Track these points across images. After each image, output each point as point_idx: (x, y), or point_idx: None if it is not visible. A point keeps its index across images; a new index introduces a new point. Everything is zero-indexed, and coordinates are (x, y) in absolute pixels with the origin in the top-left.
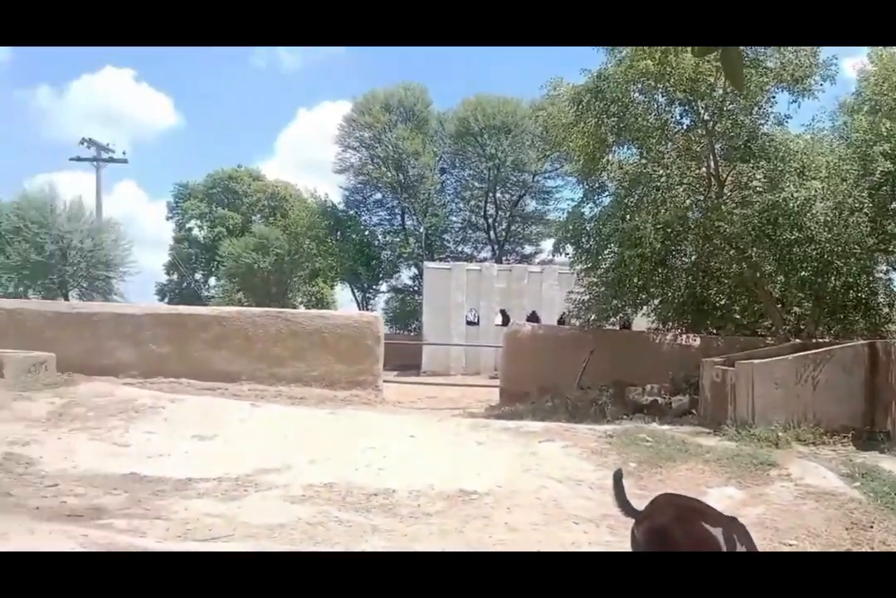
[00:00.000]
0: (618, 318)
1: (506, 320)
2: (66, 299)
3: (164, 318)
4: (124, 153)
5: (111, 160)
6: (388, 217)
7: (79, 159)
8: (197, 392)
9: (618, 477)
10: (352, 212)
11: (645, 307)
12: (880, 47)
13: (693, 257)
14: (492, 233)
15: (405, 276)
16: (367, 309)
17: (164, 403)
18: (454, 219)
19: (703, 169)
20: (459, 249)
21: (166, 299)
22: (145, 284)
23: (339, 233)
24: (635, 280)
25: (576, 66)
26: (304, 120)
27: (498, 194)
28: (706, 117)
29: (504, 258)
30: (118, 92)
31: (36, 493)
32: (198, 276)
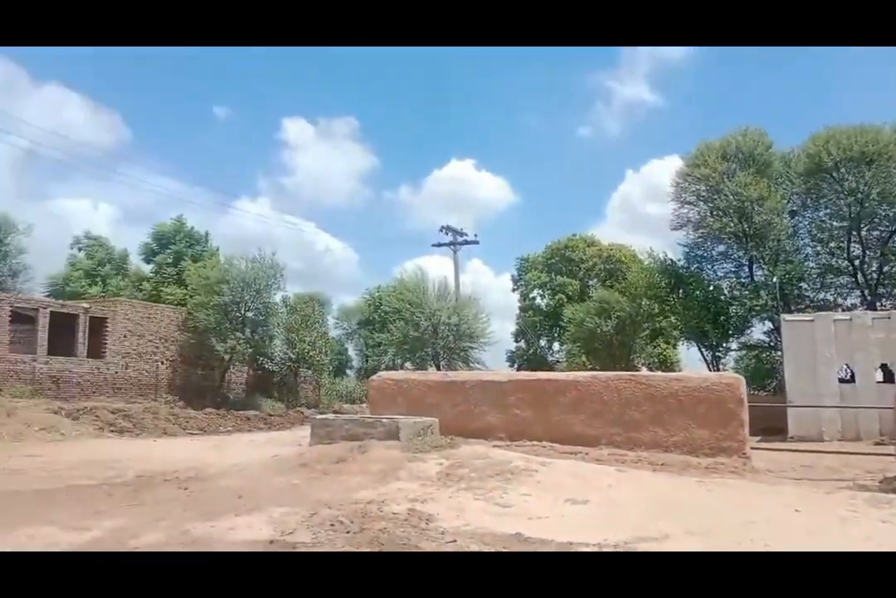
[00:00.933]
0: None
1: (888, 377)
2: (438, 368)
3: (526, 383)
4: (476, 235)
5: (465, 243)
6: (734, 269)
7: (439, 245)
8: (559, 455)
9: None
10: (693, 267)
11: None
12: None
13: None
14: (859, 276)
15: (758, 331)
16: (717, 368)
17: (535, 466)
18: (811, 264)
19: None
20: (820, 297)
21: (515, 365)
22: (497, 352)
23: (680, 290)
24: None
25: None
26: (633, 181)
27: (864, 232)
28: None
29: (879, 304)
30: (463, 181)
31: (439, 548)
32: (542, 342)
